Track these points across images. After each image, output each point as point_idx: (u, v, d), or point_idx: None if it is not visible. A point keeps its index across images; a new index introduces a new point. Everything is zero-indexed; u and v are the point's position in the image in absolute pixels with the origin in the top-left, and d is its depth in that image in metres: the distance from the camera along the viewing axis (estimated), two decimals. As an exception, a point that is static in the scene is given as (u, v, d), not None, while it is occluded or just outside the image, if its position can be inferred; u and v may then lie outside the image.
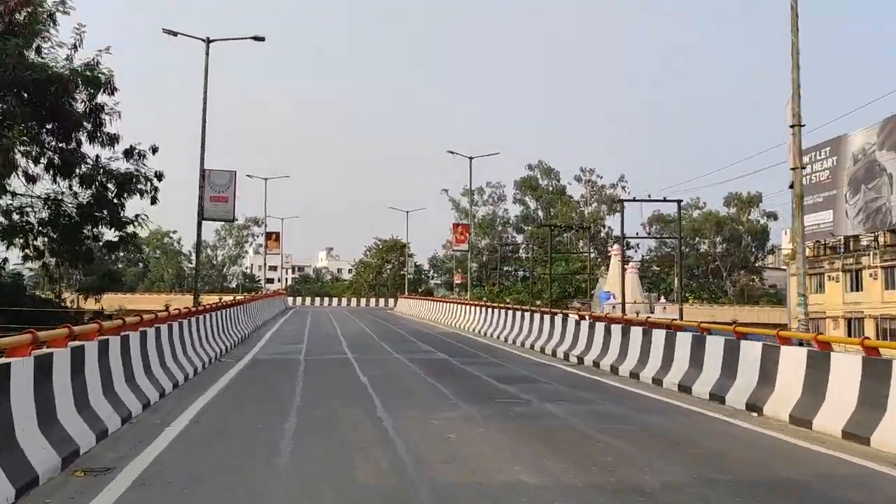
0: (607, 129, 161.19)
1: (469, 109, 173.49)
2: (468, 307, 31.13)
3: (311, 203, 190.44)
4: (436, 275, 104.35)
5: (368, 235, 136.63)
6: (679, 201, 34.53)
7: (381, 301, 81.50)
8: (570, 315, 18.61)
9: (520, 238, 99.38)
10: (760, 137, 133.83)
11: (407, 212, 71.80)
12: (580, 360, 15.73)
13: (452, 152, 38.78)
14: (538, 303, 53.71)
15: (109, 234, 25.69)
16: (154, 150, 24.82)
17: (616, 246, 55.35)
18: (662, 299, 58.67)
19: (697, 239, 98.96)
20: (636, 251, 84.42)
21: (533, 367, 14.93)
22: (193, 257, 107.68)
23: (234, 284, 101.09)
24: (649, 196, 55.46)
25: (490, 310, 27.06)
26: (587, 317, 17.21)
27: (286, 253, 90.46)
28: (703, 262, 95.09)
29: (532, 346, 19.47)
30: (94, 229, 25.23)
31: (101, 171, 24.32)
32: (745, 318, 60.79)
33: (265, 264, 63.62)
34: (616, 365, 13.87)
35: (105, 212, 24.38)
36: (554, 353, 17.39)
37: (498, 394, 10.90)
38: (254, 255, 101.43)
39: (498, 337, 23.58)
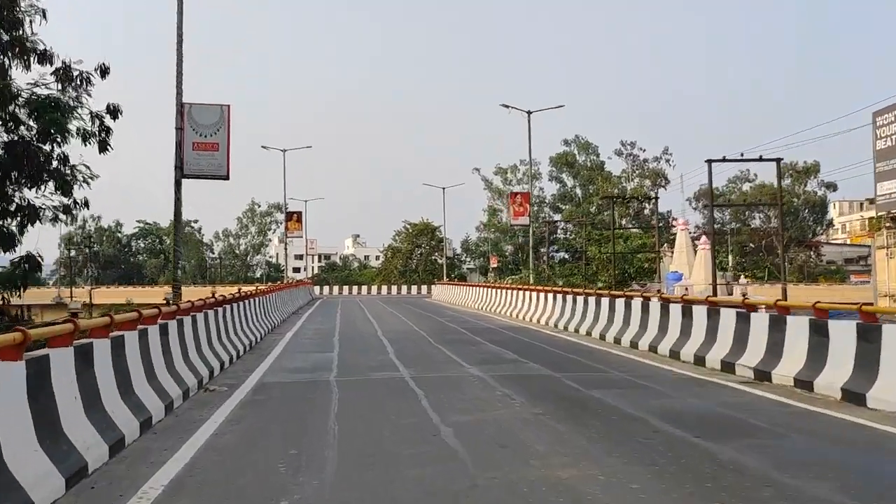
0: (648, 100, 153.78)
1: (499, 82, 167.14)
2: (528, 294, 25.74)
3: (335, 190, 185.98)
4: (469, 259, 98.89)
5: (395, 221, 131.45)
6: (778, 160, 28.70)
7: (414, 288, 76.32)
8: (696, 303, 13.15)
9: (557, 217, 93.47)
10: (816, 107, 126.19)
11: (443, 188, 66.15)
12: (763, 374, 10.26)
13: (507, 106, 33.26)
14: (600, 286, 48.10)
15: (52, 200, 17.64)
16: (103, 71, 17.06)
17: (680, 219, 49.45)
18: (742, 279, 52.79)
19: (747, 213, 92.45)
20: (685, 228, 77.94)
21: (704, 392, 9.46)
22: (216, 247, 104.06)
23: (258, 274, 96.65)
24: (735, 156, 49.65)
25: (557, 297, 21.66)
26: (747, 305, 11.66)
27: (310, 237, 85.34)
28: (757, 237, 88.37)
29: (635, 345, 14.32)
30: (16, 192, 17.10)
31: (12, 96, 16.28)
32: (820, 297, 54.53)
33: (286, 248, 58.25)
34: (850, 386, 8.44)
35: (25, 164, 16.35)
36: (702, 361, 11.90)
37: (722, 471, 5.50)
38: (279, 243, 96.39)
39: (580, 331, 18.21)
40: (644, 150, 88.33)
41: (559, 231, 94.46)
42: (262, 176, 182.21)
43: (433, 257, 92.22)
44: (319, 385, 10.22)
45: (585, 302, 19.33)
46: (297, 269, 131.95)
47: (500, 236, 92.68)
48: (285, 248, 58.14)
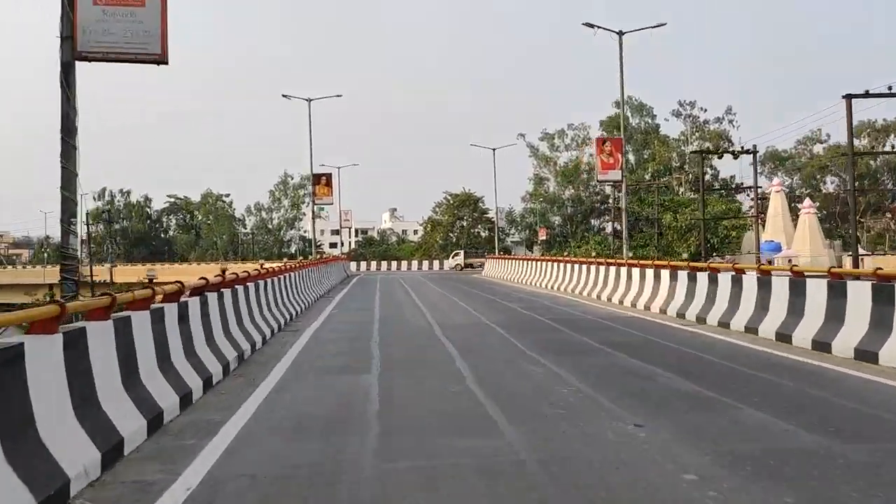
0: (710, 58, 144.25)
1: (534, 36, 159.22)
2: (608, 270, 20.05)
3: (371, 160, 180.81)
4: (514, 231, 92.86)
5: (434, 194, 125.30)
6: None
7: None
8: None
9: (608, 188, 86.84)
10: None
11: (494, 149, 60.21)
12: None
13: (592, 25, 27.11)
14: (684, 257, 41.93)
15: None
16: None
17: (775, 180, 42.83)
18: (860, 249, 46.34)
19: (818, 177, 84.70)
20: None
21: None
22: (248, 221, 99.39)
23: (293, 250, 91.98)
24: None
25: (662, 275, 15.98)
26: None
27: (345, 209, 79.70)
28: (831, 203, 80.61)
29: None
30: None
31: None
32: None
33: (313, 217, 52.24)
34: None
35: None
36: None
37: None
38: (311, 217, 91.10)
39: (731, 326, 12.44)
40: (705, 111, 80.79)
41: (610, 200, 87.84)
42: (293, 142, 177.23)
43: (476, 230, 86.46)
44: (341, 488, 4.64)
45: (712, 281, 13.56)
46: (333, 245, 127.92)
47: (546, 207, 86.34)
48: (313, 218, 52.07)
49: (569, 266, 25.48)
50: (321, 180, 51.43)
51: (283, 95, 47.11)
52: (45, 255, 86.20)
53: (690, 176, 79.41)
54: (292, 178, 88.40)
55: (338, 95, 52.06)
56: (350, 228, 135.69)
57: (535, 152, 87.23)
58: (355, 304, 21.88)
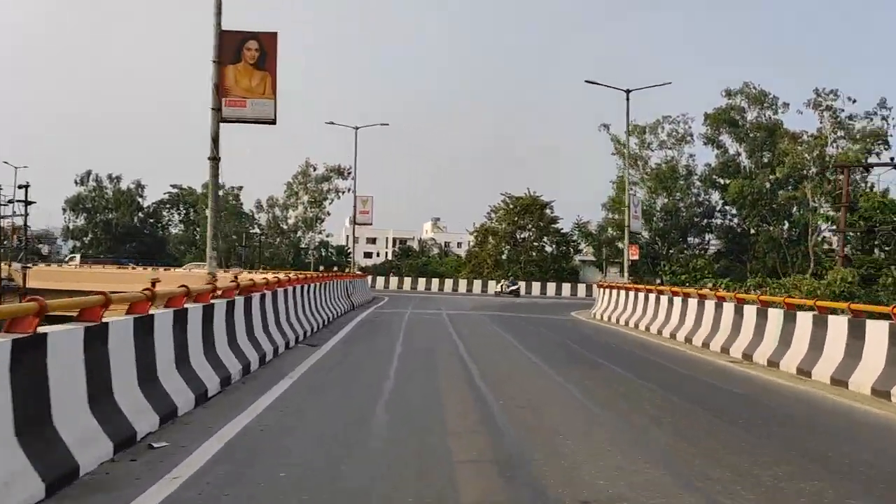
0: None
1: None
2: None
3: (410, 167, 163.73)
4: (587, 247, 74.25)
5: (482, 205, 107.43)
6: None
7: (528, 287, 52.79)
8: None
9: (715, 196, 67.88)
10: None
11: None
12: None
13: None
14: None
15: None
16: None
17: None
18: None
19: None
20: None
21: None
22: (260, 218, 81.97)
23: (311, 258, 74.55)
24: None
25: None
26: None
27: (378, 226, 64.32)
28: None
29: None
30: None
31: None
32: None
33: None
34: None
35: None
36: None
37: None
38: (348, 225, 73.86)
39: None
40: (854, 102, 61.14)
41: (716, 214, 68.97)
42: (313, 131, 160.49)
43: (541, 243, 68.26)
44: None
45: None
46: (368, 255, 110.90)
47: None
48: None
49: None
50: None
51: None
52: None
53: (829, 187, 60.31)
54: (315, 169, 71.33)
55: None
56: (388, 238, 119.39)
57: (621, 148, 68.55)
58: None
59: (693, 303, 17.12)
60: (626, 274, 29.74)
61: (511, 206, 66.64)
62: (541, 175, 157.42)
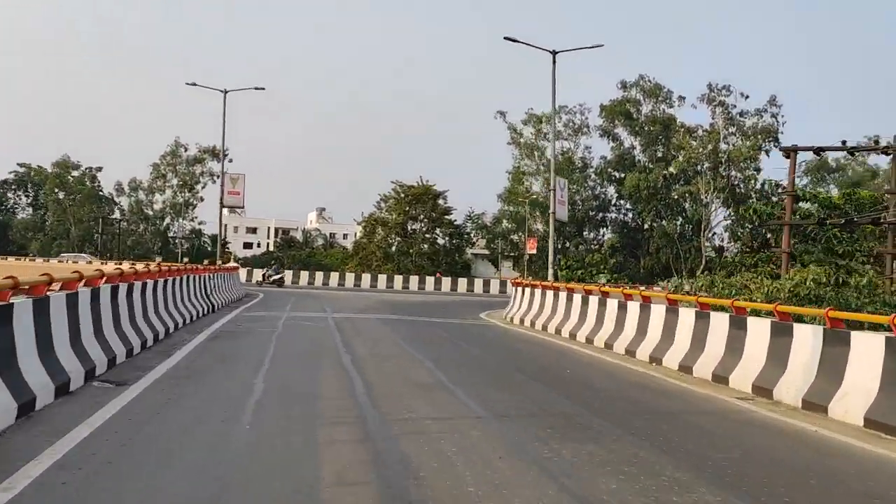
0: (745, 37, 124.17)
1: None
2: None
3: (294, 156, 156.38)
4: (479, 239, 71.03)
5: (369, 197, 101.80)
6: None
7: (422, 282, 48.35)
8: None
9: (611, 190, 66.15)
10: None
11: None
12: None
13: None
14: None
15: None
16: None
17: None
18: None
19: None
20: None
21: None
22: (122, 201, 72.71)
23: (182, 247, 67.13)
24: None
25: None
26: None
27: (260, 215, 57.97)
28: None
29: None
30: None
31: None
32: None
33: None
34: None
35: None
36: None
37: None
38: (228, 212, 66.30)
39: None
40: (747, 98, 60.76)
41: (611, 208, 67.43)
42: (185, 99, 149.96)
43: (433, 235, 64.30)
44: None
45: None
46: (248, 245, 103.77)
47: (528, 210, 64.98)
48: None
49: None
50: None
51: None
52: None
53: (718, 183, 59.81)
54: (186, 150, 64.08)
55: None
56: (270, 227, 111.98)
57: (518, 137, 65.87)
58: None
59: (634, 306, 13.53)
60: (551, 268, 25.97)
61: (402, 195, 62.34)
62: (434, 165, 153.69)
